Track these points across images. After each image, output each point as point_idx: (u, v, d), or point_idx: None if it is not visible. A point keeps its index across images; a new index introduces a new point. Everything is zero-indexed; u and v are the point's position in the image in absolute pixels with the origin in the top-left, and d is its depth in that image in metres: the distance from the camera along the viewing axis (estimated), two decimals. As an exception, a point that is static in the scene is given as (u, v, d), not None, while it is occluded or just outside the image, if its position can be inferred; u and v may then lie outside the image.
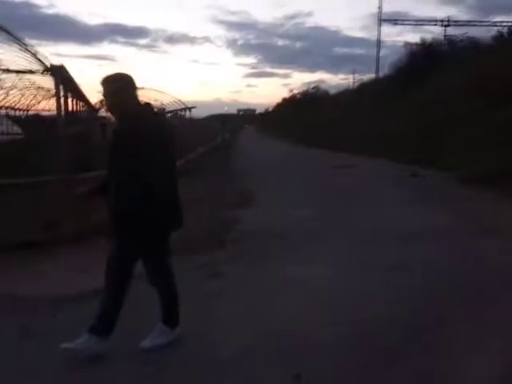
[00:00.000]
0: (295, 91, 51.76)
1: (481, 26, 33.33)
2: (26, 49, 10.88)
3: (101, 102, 26.66)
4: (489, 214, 6.76)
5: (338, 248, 5.36)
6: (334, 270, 4.54)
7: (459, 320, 3.37)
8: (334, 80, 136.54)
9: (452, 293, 3.91)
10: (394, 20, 37.28)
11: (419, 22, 36.96)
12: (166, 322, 3.05)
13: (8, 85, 19.19)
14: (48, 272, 4.71)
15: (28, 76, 16.40)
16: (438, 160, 11.93)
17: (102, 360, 2.84)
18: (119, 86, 2.79)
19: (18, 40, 10.38)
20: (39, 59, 11.18)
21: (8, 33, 9.94)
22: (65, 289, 4.14)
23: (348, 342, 3.08)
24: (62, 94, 11.53)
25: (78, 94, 16.98)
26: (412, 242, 5.44)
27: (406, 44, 23.33)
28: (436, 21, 34.97)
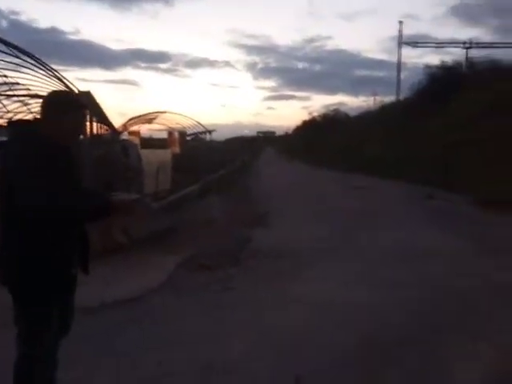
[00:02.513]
0: (315, 114, 52.16)
1: (504, 47, 33.15)
2: (54, 75, 11.50)
3: (124, 125, 27.67)
4: (500, 237, 6.78)
5: (348, 266, 5.48)
6: (340, 287, 4.66)
7: (452, 332, 3.54)
8: (355, 102, 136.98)
9: (450, 306, 4.07)
10: (415, 43, 37.59)
11: (440, 45, 37.08)
12: None
13: (36, 109, 20.27)
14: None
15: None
16: (455, 182, 11.89)
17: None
18: None
19: (45, 66, 11.01)
20: (66, 85, 11.79)
21: (36, 59, 10.58)
22: (87, 300, 4.32)
23: (343, 347, 3.26)
24: (87, 118, 12.08)
25: (103, 118, 17.69)
26: (421, 261, 5.55)
27: (427, 66, 23.39)
28: (458, 43, 35.05)
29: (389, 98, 35.53)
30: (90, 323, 3.63)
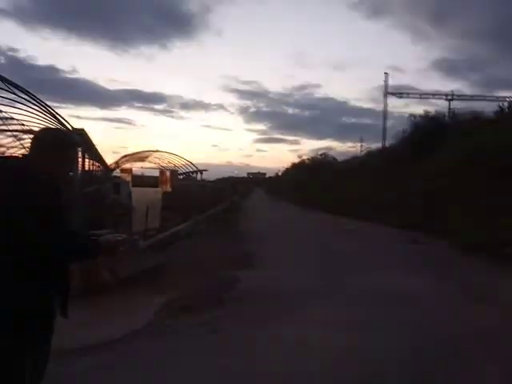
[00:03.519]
0: (304, 157, 52.97)
1: (484, 100, 34.72)
2: (48, 111, 11.76)
3: (116, 162, 27.98)
4: (480, 282, 6.93)
5: (332, 310, 5.52)
6: (325, 331, 4.70)
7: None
8: (342, 148, 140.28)
9: (431, 354, 4.08)
10: (400, 93, 39.18)
11: (424, 96, 38.65)
12: None
13: (29, 145, 20.43)
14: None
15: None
16: (438, 228, 12.15)
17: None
18: None
19: (39, 102, 11.27)
20: (60, 121, 12.05)
21: (31, 95, 10.85)
22: (67, 342, 4.32)
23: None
24: (79, 155, 12.28)
25: (95, 155, 17.95)
26: (402, 306, 5.61)
27: (411, 116, 24.30)
28: (440, 94, 36.69)
29: (375, 145, 36.64)
30: (69, 366, 3.62)
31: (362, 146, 41.44)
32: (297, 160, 56.85)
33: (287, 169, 66.94)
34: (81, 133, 12.05)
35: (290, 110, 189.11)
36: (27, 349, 1.88)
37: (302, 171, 44.75)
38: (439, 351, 4.17)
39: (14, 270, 1.84)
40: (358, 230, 14.22)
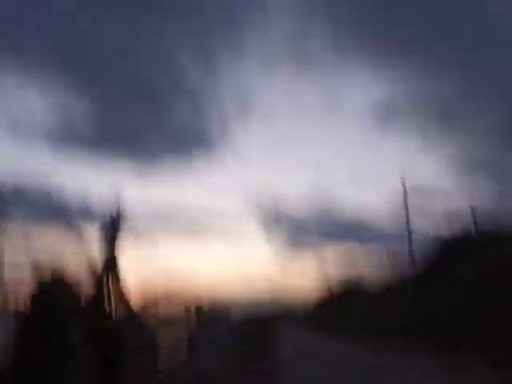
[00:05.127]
0: (331, 283, 51.53)
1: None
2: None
3: (140, 300, 28.09)
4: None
5: None
6: None
7: None
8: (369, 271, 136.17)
9: None
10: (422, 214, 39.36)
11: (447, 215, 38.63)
12: None
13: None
14: None
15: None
16: (473, 346, 11.35)
17: None
18: None
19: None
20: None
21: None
22: None
23: None
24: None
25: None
26: None
27: (435, 237, 24.17)
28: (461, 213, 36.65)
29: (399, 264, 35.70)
30: None
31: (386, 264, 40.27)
32: (324, 287, 55.45)
33: (316, 298, 64.98)
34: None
35: (312, 229, 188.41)
36: None
37: (332, 299, 43.41)
38: None
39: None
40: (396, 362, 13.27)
